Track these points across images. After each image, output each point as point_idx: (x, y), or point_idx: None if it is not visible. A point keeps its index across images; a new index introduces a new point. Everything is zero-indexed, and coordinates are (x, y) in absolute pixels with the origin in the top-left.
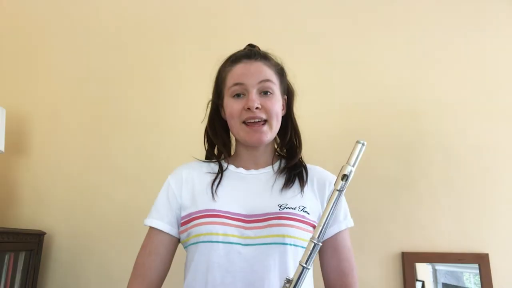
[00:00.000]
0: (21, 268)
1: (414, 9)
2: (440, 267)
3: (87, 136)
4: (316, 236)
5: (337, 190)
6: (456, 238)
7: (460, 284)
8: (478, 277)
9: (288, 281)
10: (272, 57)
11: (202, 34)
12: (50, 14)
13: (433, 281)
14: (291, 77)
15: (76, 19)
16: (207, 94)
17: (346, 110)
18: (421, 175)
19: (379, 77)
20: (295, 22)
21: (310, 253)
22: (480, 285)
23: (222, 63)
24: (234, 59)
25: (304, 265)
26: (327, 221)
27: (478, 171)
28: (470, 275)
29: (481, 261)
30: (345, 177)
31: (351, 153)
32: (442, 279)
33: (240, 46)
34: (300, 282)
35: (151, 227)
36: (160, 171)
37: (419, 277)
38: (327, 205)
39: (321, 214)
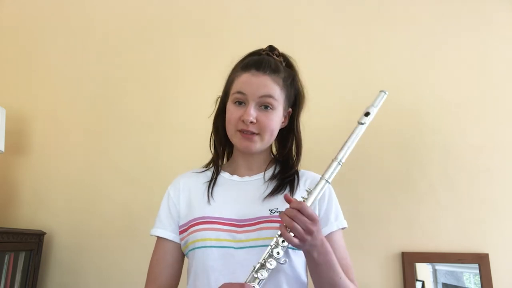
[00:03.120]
0: (21, 268)
1: (415, 9)
2: (440, 267)
3: (87, 136)
4: (340, 157)
5: (359, 123)
6: (456, 238)
7: (460, 284)
8: (478, 277)
9: (309, 191)
10: (290, 62)
11: (203, 34)
12: (50, 14)
13: (433, 281)
14: (304, 83)
15: (75, 19)
16: (207, 94)
17: (346, 109)
18: (421, 175)
19: (379, 77)
20: (296, 22)
21: (333, 171)
22: (480, 285)
23: (237, 62)
24: (245, 65)
25: (326, 179)
26: (350, 144)
27: (478, 171)
28: (470, 275)
29: (481, 261)
30: (368, 114)
31: (375, 99)
32: (442, 279)
33: (241, 47)
34: (320, 192)
35: (157, 237)
36: (160, 171)
37: (419, 277)
38: (349, 136)
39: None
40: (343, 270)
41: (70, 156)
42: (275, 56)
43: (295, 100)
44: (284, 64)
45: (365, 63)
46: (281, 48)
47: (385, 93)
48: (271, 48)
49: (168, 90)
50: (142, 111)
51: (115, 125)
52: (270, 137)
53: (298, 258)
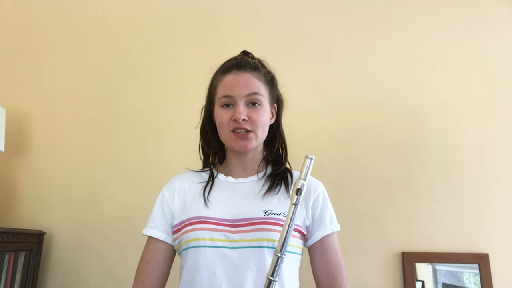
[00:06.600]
0: (21, 268)
1: (415, 9)
2: (440, 267)
3: (87, 136)
4: (279, 249)
5: (293, 204)
6: (456, 238)
7: (460, 284)
8: (478, 277)
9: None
10: (265, 65)
11: (204, 35)
12: (50, 14)
13: (433, 281)
14: (281, 86)
15: (76, 19)
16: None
17: (346, 109)
18: (421, 175)
19: (379, 77)
20: (295, 22)
21: (275, 266)
22: (480, 285)
23: (215, 71)
24: (225, 69)
25: (271, 278)
26: (287, 234)
27: (478, 171)
28: (470, 275)
29: (481, 261)
30: (299, 191)
31: (302, 168)
32: (442, 279)
33: (241, 47)
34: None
35: (149, 236)
36: (160, 171)
37: (419, 277)
38: (286, 219)
39: (306, 219)
40: (335, 276)
41: (70, 156)
42: (250, 59)
43: (277, 98)
44: (260, 64)
45: (365, 63)
46: (281, 48)
47: (312, 158)
48: (245, 52)
49: (167, 90)
50: (142, 111)
51: (115, 125)
52: (262, 132)
53: (293, 266)
